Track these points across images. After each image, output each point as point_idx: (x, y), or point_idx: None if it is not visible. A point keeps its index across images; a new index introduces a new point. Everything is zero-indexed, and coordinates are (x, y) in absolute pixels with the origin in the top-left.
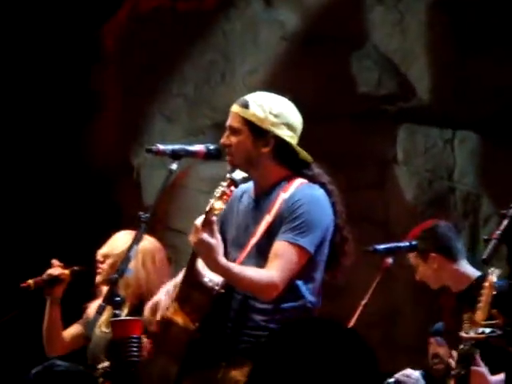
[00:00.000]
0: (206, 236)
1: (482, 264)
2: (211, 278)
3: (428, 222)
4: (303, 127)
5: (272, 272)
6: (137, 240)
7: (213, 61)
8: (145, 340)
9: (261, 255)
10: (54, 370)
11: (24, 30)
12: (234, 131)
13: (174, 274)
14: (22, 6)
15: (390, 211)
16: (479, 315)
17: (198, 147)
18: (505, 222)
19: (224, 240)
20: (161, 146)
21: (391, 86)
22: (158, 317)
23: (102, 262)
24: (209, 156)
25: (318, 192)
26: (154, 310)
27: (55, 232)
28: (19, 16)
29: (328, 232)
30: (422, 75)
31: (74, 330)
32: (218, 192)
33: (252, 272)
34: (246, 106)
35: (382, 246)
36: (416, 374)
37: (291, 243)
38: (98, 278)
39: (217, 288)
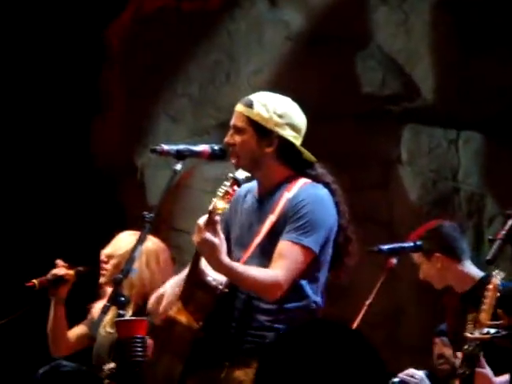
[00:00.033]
0: (209, 235)
1: (486, 264)
2: (215, 277)
3: (433, 222)
4: (307, 127)
5: (276, 272)
6: (141, 240)
7: (217, 61)
8: (149, 341)
9: (264, 255)
10: (60, 371)
11: (28, 31)
12: (238, 130)
13: (178, 274)
14: (26, 7)
15: (394, 211)
16: (483, 316)
17: (203, 147)
18: (509, 222)
19: (228, 239)
20: (165, 146)
21: (395, 86)
22: (162, 308)
23: (106, 263)
24: (213, 156)
25: (322, 192)
26: (159, 301)
27: (59, 232)
28: (24, 17)
29: (332, 232)
30: (427, 75)
31: (78, 330)
32: (220, 192)
33: (256, 271)
34: (250, 105)
35: (387, 247)
36: (420, 373)
37: (295, 243)
38: (102, 279)
39: (220, 287)
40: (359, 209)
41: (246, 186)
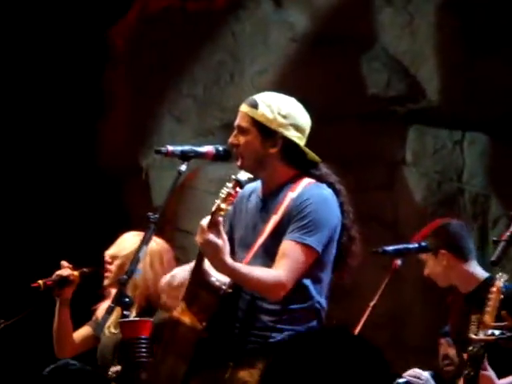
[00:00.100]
0: (212, 237)
1: (491, 266)
2: (218, 277)
3: (437, 220)
4: (312, 128)
5: (279, 271)
6: (146, 241)
7: (222, 61)
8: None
9: (268, 255)
10: (68, 369)
11: (33, 33)
12: (243, 131)
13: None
14: (32, 7)
15: (398, 212)
16: (487, 318)
17: (207, 148)
18: None
19: (231, 240)
20: (170, 147)
21: (400, 88)
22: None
23: (110, 263)
24: (218, 157)
25: (326, 191)
26: (171, 282)
27: (64, 233)
28: (29, 17)
29: (335, 232)
30: (432, 76)
31: (83, 331)
32: (223, 193)
33: (259, 272)
34: (254, 106)
35: (391, 248)
36: (426, 374)
37: (298, 242)
38: (106, 280)
39: (224, 288)
40: (364, 209)
41: (250, 186)
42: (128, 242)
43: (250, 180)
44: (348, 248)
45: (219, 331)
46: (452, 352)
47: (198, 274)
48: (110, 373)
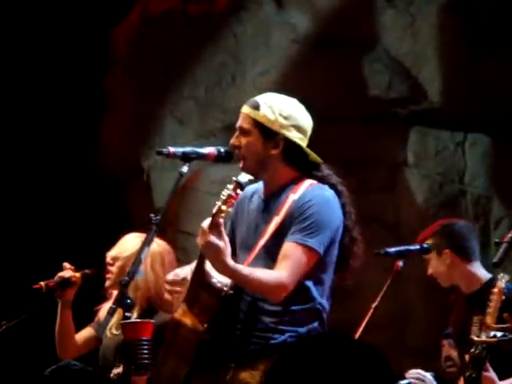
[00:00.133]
0: (213, 238)
1: (493, 267)
2: (219, 279)
3: (439, 221)
4: (314, 129)
5: (281, 273)
6: (147, 242)
7: (224, 63)
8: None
9: (269, 256)
10: (70, 369)
11: (35, 34)
12: (244, 132)
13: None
14: (34, 9)
15: (400, 214)
16: (489, 320)
17: (209, 149)
18: None
19: (232, 241)
20: (172, 149)
21: (402, 89)
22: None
23: (112, 265)
24: (219, 158)
25: (328, 193)
26: (176, 275)
27: (66, 234)
28: (31, 19)
29: (337, 233)
30: (433, 78)
31: (86, 332)
32: (224, 195)
33: (260, 273)
34: (256, 107)
35: (393, 249)
36: (429, 376)
37: (300, 244)
38: (108, 281)
39: (225, 289)
40: (365, 211)
41: (252, 187)
42: (129, 243)
43: (250, 182)
44: (350, 249)
45: (220, 333)
46: (454, 354)
47: (200, 275)
48: (111, 375)
